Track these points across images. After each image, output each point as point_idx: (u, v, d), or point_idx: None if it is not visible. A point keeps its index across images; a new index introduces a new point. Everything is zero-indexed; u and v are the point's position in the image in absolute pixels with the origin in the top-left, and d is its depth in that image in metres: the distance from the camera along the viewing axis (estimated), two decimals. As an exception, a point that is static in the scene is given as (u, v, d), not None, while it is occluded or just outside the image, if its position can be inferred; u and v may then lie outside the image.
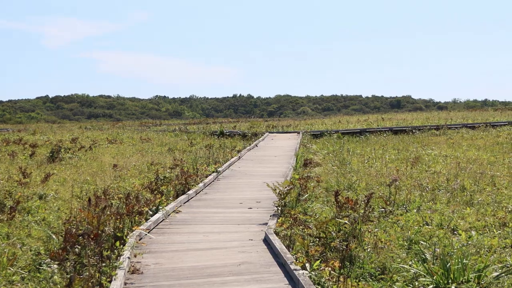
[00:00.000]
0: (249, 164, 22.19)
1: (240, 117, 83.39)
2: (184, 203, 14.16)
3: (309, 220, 11.58)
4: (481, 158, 23.76)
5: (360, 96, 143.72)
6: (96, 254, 8.67)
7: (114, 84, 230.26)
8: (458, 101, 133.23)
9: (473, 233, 10.92)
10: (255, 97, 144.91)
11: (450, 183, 16.56)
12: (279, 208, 12.26)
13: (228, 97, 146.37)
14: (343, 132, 38.28)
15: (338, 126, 45.43)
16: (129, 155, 26.57)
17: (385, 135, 37.73)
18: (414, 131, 39.19)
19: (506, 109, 71.04)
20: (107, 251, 8.88)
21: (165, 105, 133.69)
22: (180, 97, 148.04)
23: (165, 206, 12.94)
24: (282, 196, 12.16)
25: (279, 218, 11.68)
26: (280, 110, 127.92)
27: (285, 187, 12.17)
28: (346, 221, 10.45)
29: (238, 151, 26.61)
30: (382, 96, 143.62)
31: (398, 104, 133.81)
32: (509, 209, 12.92)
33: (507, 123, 42.13)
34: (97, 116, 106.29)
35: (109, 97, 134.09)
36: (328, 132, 38.25)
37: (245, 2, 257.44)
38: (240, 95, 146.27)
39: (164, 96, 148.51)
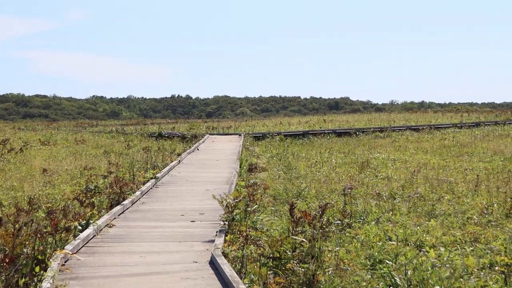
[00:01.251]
0: (190, 169, 20.74)
1: (179, 118, 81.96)
2: (118, 215, 12.55)
3: (260, 236, 10.27)
4: (431, 162, 22.98)
5: (299, 97, 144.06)
6: (10, 284, 7.26)
7: (51, 84, 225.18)
8: (396, 103, 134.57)
9: (442, 249, 9.79)
10: (193, 97, 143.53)
11: (406, 191, 15.52)
12: (227, 223, 10.87)
13: (166, 97, 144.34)
14: (286, 134, 37.22)
15: (280, 128, 44.50)
16: (62, 158, 24.96)
17: (328, 137, 36.86)
18: (358, 133, 38.49)
19: (446, 111, 71.50)
20: (24, 278, 7.47)
21: (103, 105, 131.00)
22: (117, 97, 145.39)
23: (97, 219, 11.37)
24: (230, 210, 10.70)
25: (226, 235, 10.24)
26: (218, 111, 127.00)
27: (234, 199, 10.77)
28: (304, 239, 9.21)
29: (178, 155, 25.12)
30: (321, 98, 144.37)
31: (336, 105, 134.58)
32: (475, 221, 11.90)
33: (451, 126, 41.96)
34: (33, 116, 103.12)
35: (45, 96, 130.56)
36: (270, 134, 37.10)
37: (184, 1, 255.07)
38: (178, 95, 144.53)
39: (102, 96, 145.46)
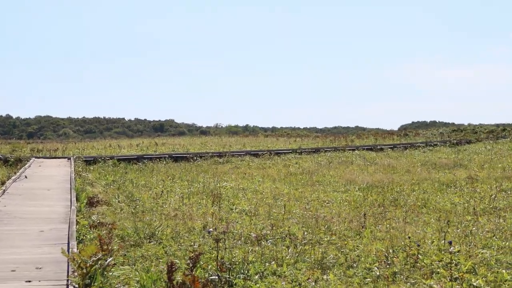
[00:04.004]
0: (18, 201, 17.51)
1: (-2, 138, 76.88)
2: None
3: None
4: (285, 193, 21.45)
5: (123, 118, 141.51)
6: None
7: None
8: (220, 126, 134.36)
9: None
10: (14, 117, 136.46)
11: (278, 230, 13.52)
12: (78, 288, 8.05)
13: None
14: (119, 158, 34.48)
15: (111, 151, 41.77)
16: None
17: (165, 162, 34.58)
18: (195, 158, 36.39)
19: (278, 136, 71.42)
20: None
21: None
22: None
23: None
24: (86, 271, 7.97)
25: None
26: (40, 131, 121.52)
27: (90, 257, 8.08)
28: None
29: (2, 183, 21.80)
30: (145, 120, 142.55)
31: (161, 127, 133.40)
32: (378, 274, 10.00)
33: (291, 151, 40.96)
34: None
35: None
36: (103, 158, 34.20)
37: (21, 18, 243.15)
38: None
39: None
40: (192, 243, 12.49)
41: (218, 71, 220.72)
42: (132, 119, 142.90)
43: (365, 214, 15.00)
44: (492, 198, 18.87)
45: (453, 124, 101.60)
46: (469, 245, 11.72)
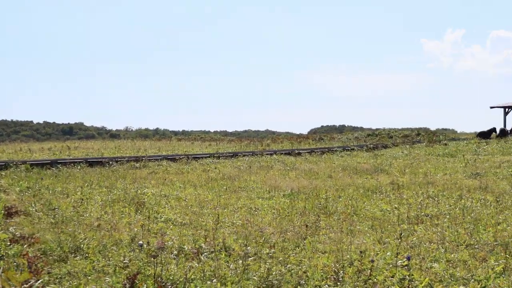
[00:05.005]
0: None
1: None
2: None
3: None
4: (209, 199, 20.79)
5: (31, 121, 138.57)
6: None
7: None
8: (130, 129, 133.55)
9: None
10: None
11: (215, 243, 12.80)
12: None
13: None
14: (32, 163, 32.99)
15: (23, 156, 40.22)
16: None
17: (79, 167, 33.29)
18: (111, 162, 35.26)
19: (191, 139, 71.12)
20: None
21: None
22: None
23: None
24: None
25: None
26: None
27: (22, 283, 7.21)
28: None
29: None
30: (54, 123, 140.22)
31: (70, 131, 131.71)
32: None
33: (208, 156, 40.34)
34: None
35: None
36: (14, 162, 32.64)
37: None
38: None
39: None
40: (122, 258, 11.66)
41: (128, 74, 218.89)
42: (41, 122, 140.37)
43: (307, 226, 14.43)
44: (422, 205, 18.67)
45: (361, 128, 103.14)
46: (418, 259, 11.30)
